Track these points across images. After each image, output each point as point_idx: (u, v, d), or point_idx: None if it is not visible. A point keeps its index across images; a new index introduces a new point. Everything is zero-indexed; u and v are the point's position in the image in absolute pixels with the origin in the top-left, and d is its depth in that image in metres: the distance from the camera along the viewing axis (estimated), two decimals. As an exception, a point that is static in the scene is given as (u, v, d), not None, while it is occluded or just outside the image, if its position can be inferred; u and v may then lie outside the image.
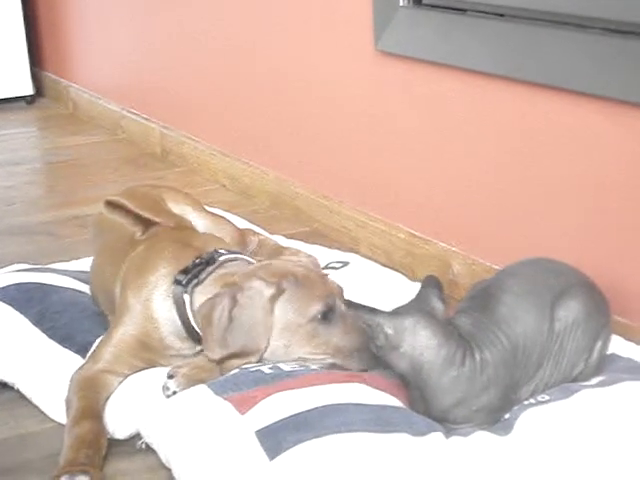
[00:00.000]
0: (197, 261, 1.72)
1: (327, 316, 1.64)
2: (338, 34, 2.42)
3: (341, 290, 1.70)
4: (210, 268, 1.71)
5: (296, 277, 1.66)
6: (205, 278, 1.70)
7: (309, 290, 1.65)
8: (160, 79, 3.36)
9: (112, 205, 2.01)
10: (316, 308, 1.64)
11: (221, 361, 1.64)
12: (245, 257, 1.78)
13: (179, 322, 1.69)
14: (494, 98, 1.99)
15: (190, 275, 1.69)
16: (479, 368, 1.50)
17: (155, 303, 1.71)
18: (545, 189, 1.92)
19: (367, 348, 1.61)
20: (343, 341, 1.64)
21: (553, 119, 1.87)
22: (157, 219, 1.91)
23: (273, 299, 1.63)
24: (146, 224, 1.91)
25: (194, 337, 1.69)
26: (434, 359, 1.49)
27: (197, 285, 1.69)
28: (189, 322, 1.68)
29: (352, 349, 1.64)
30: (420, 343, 1.49)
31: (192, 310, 1.68)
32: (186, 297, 1.68)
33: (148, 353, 1.71)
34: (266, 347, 1.63)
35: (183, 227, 1.93)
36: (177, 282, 1.70)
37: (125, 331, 1.71)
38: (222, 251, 1.77)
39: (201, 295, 1.68)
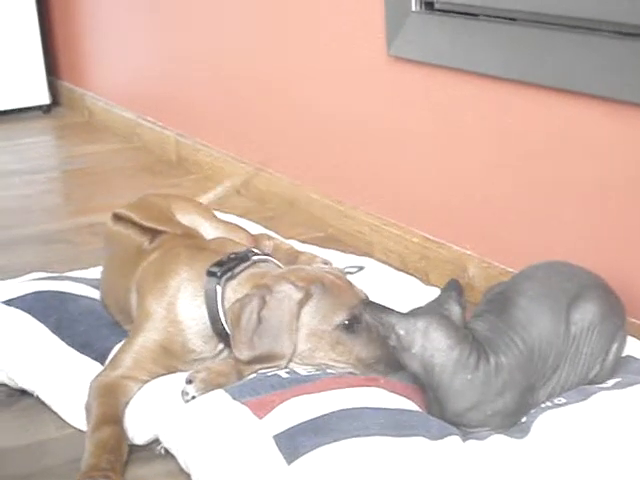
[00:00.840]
0: (232, 256, 1.74)
1: (352, 325, 1.65)
2: (350, 40, 2.43)
3: (366, 297, 1.71)
4: (244, 265, 1.73)
5: (324, 284, 1.67)
6: (239, 273, 1.71)
7: (336, 298, 1.66)
8: (175, 87, 3.38)
9: (118, 217, 2.03)
10: (342, 316, 1.65)
11: (249, 363, 1.65)
12: (275, 261, 1.80)
13: (206, 320, 1.70)
14: (507, 102, 1.99)
15: (225, 268, 1.71)
16: (494, 372, 1.50)
17: (181, 305, 1.72)
18: (560, 192, 1.92)
19: (389, 359, 1.62)
20: (365, 351, 1.65)
21: (567, 122, 1.87)
22: (163, 228, 1.93)
23: (301, 303, 1.65)
24: (153, 234, 1.93)
25: (220, 334, 1.70)
26: (445, 361, 1.49)
27: (230, 279, 1.70)
28: (218, 316, 1.69)
29: (374, 360, 1.65)
30: (431, 345, 1.50)
31: (222, 304, 1.69)
32: (218, 289, 1.69)
33: (169, 359, 1.73)
34: (293, 351, 1.65)
35: (191, 235, 1.95)
36: (210, 274, 1.71)
37: (147, 337, 1.72)
38: (256, 251, 1.80)
39: (232, 291, 1.70)
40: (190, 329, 1.72)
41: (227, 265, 1.72)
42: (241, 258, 1.74)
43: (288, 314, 1.64)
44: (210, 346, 1.73)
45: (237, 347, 1.64)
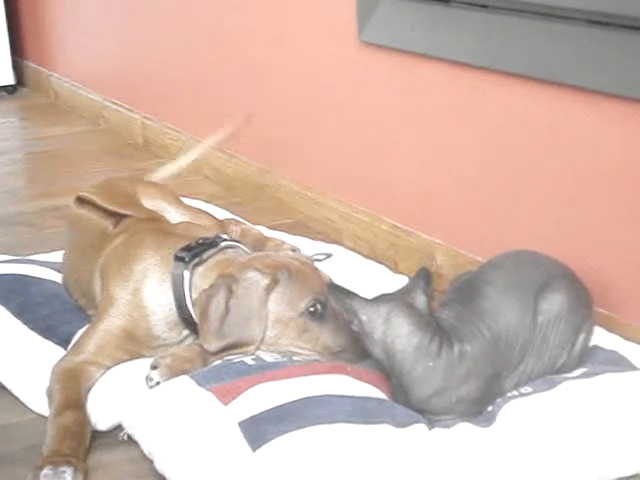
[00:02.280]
0: (200, 241, 1.73)
1: (318, 312, 1.65)
2: (321, 25, 2.42)
3: (330, 281, 1.70)
4: (212, 251, 1.71)
5: (290, 270, 1.66)
6: (207, 259, 1.70)
7: (302, 284, 1.65)
8: (142, 69, 3.35)
9: (81, 200, 2.00)
10: (307, 302, 1.64)
11: (217, 353, 1.64)
12: (243, 247, 1.79)
13: (172, 306, 1.69)
14: (477, 89, 1.99)
15: (193, 253, 1.70)
16: (457, 360, 1.50)
17: (146, 290, 1.71)
18: (528, 181, 1.92)
19: (355, 348, 1.62)
20: (331, 339, 1.65)
21: (537, 111, 1.87)
22: (127, 212, 1.91)
23: (268, 289, 1.64)
24: (117, 218, 1.90)
25: (186, 320, 1.69)
26: (405, 348, 1.49)
27: (198, 265, 1.69)
28: (184, 302, 1.68)
29: (340, 348, 1.65)
30: (392, 331, 1.49)
31: (190, 290, 1.67)
32: (186, 274, 1.68)
33: (133, 345, 1.71)
34: (262, 338, 1.63)
35: (156, 219, 1.93)
36: (179, 259, 1.70)
37: (111, 322, 1.70)
38: (224, 237, 1.79)
39: (200, 277, 1.68)
40: (155, 315, 1.70)
41: (195, 250, 1.70)
42: (209, 244, 1.73)
43: (257, 301, 1.63)
44: (175, 332, 1.71)
45: (205, 338, 1.63)
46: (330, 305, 1.65)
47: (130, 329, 1.70)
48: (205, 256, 1.70)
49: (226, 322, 1.62)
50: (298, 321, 1.64)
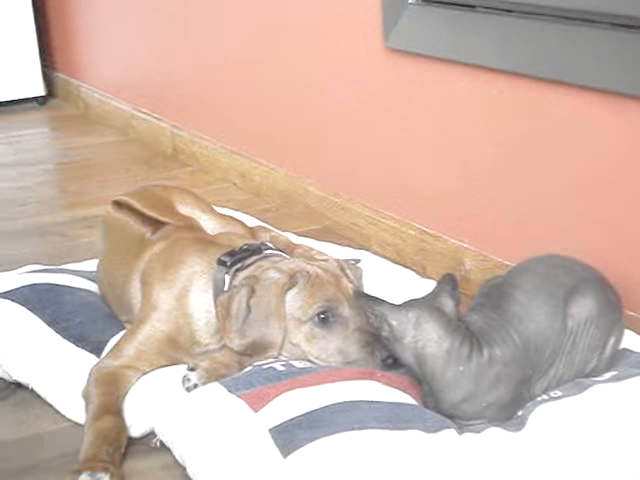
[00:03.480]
0: (244, 247, 1.74)
1: (326, 319, 1.65)
2: (348, 32, 2.42)
3: (357, 292, 1.69)
4: (254, 257, 1.73)
5: (309, 274, 1.66)
6: (249, 265, 1.71)
7: (316, 290, 1.66)
8: (171, 79, 3.37)
9: (119, 205, 2.02)
10: (315, 308, 1.65)
11: (241, 352, 1.65)
12: (286, 256, 1.80)
13: (214, 312, 1.70)
14: (503, 94, 1.99)
15: (235, 258, 1.71)
16: (487, 364, 1.50)
17: (192, 298, 1.72)
18: (557, 185, 1.92)
19: (366, 360, 1.62)
20: (339, 350, 1.65)
21: (563, 114, 1.87)
22: (165, 219, 1.93)
23: (284, 288, 1.65)
24: (154, 224, 1.92)
25: None
26: (436, 352, 1.49)
27: (240, 270, 1.70)
28: None
29: (348, 358, 1.65)
30: (422, 336, 1.50)
31: None
32: (227, 278, 1.69)
33: (174, 351, 1.72)
34: (283, 339, 1.64)
35: (194, 227, 1.94)
36: (221, 262, 1.71)
37: (154, 327, 1.72)
38: (269, 245, 1.80)
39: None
40: (200, 321, 1.72)
41: (238, 256, 1.72)
42: (253, 250, 1.75)
43: (274, 299, 1.64)
44: (216, 338, 1.72)
45: (228, 337, 1.65)
46: (340, 314, 1.65)
47: (173, 335, 1.72)
48: (248, 262, 1.72)
49: (247, 320, 1.64)
50: (306, 326, 1.65)
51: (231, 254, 1.73)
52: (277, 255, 1.77)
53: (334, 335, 1.65)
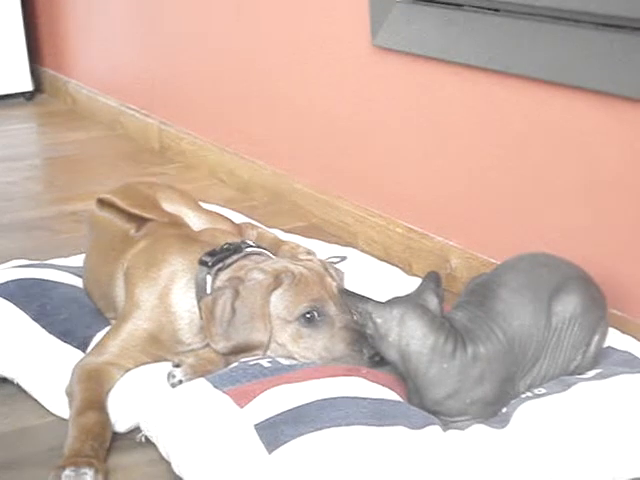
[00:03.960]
0: (225, 246, 1.74)
1: (312, 319, 1.65)
2: (335, 30, 2.43)
3: (341, 291, 1.70)
4: (236, 256, 1.72)
5: (294, 274, 1.67)
6: (230, 264, 1.71)
7: (301, 289, 1.66)
8: (159, 75, 3.37)
9: (103, 203, 2.02)
10: (301, 308, 1.65)
11: (226, 354, 1.65)
12: (268, 252, 1.80)
13: (196, 311, 1.70)
14: (491, 93, 2.00)
15: (216, 258, 1.71)
16: (471, 361, 1.50)
17: (174, 297, 1.72)
18: (542, 184, 1.92)
19: (353, 358, 1.63)
20: (326, 349, 1.65)
21: (550, 114, 1.87)
22: (149, 216, 1.92)
23: (269, 289, 1.65)
24: (138, 222, 1.92)
25: None
26: (420, 349, 1.50)
27: (221, 270, 1.70)
28: None
29: (335, 358, 1.65)
30: (407, 333, 1.50)
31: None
32: (208, 278, 1.69)
33: (157, 348, 1.72)
34: (269, 339, 1.65)
35: (178, 223, 1.94)
36: (202, 263, 1.71)
37: (136, 325, 1.72)
38: (250, 243, 1.80)
39: (221, 282, 1.69)
40: (182, 320, 1.72)
41: (219, 255, 1.72)
42: (234, 249, 1.74)
43: (259, 300, 1.64)
44: (199, 338, 1.72)
45: (212, 339, 1.65)
46: (327, 314, 1.66)
47: (156, 333, 1.72)
48: (229, 261, 1.71)
49: (232, 323, 1.64)
50: (293, 326, 1.66)
51: (212, 254, 1.72)
52: (259, 253, 1.77)
53: (320, 334, 1.66)
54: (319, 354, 1.66)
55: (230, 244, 1.76)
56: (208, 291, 1.69)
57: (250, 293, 1.65)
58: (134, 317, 1.72)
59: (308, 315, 1.65)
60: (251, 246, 1.79)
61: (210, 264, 1.70)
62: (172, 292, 1.72)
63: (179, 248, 1.77)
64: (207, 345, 1.72)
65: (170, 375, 1.65)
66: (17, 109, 4.05)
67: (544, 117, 1.89)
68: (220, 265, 1.71)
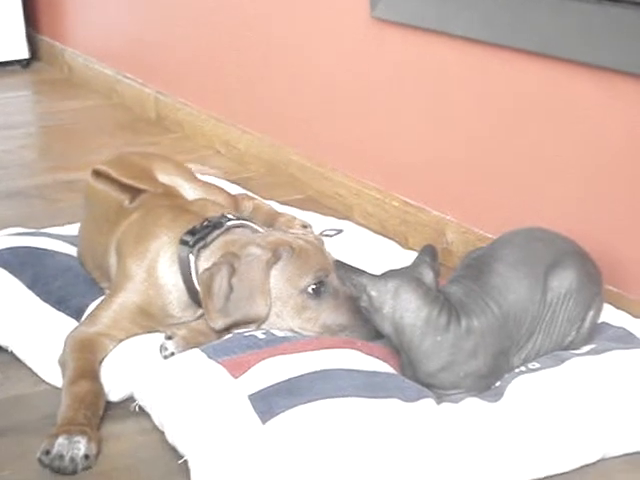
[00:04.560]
0: (205, 223, 1.73)
1: (318, 290, 1.65)
2: (334, 1, 2.41)
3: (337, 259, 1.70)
4: (217, 232, 1.71)
5: (292, 247, 1.66)
6: (212, 242, 1.70)
7: (303, 262, 1.66)
8: (155, 44, 3.35)
9: (98, 174, 2.01)
10: (307, 280, 1.65)
11: (223, 330, 1.65)
12: (251, 224, 1.79)
13: (184, 287, 1.70)
14: (489, 66, 1.99)
15: (197, 237, 1.70)
16: (465, 334, 1.51)
17: (160, 270, 1.72)
18: (539, 158, 1.92)
19: (355, 328, 1.63)
20: (331, 318, 1.65)
21: (548, 88, 1.87)
22: (143, 187, 1.92)
23: (269, 264, 1.64)
24: (132, 192, 1.91)
25: (197, 301, 1.69)
26: (414, 322, 1.50)
27: (203, 248, 1.69)
28: (193, 284, 1.69)
29: (339, 328, 1.66)
30: (401, 306, 1.50)
31: (196, 272, 1.68)
32: (191, 258, 1.68)
33: (147, 320, 1.72)
34: (267, 314, 1.64)
35: (172, 194, 1.93)
36: (183, 242, 1.70)
37: (127, 298, 1.72)
38: (230, 216, 1.78)
39: (205, 260, 1.69)
40: (170, 294, 1.71)
41: (200, 233, 1.71)
42: (214, 225, 1.72)
43: (259, 275, 1.64)
44: (190, 312, 1.72)
45: (211, 317, 1.64)
46: (331, 285, 1.66)
47: (145, 306, 1.72)
48: (210, 239, 1.70)
49: (230, 299, 1.63)
50: (297, 298, 1.65)
51: (192, 232, 1.71)
52: (241, 226, 1.76)
53: (326, 305, 1.66)
54: (322, 325, 1.65)
55: (209, 220, 1.74)
56: (192, 271, 1.68)
57: (248, 269, 1.64)
58: (125, 289, 1.72)
59: (314, 286, 1.65)
60: (232, 219, 1.77)
61: (191, 243, 1.69)
62: (159, 265, 1.72)
63: (167, 220, 1.77)
64: (199, 318, 1.72)
65: (162, 347, 1.65)
66: (13, 77, 4.03)
67: (543, 92, 1.88)
68: (202, 243, 1.70)
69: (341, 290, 1.66)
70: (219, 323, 1.64)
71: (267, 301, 1.64)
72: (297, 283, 1.65)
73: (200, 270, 1.68)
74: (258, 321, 1.65)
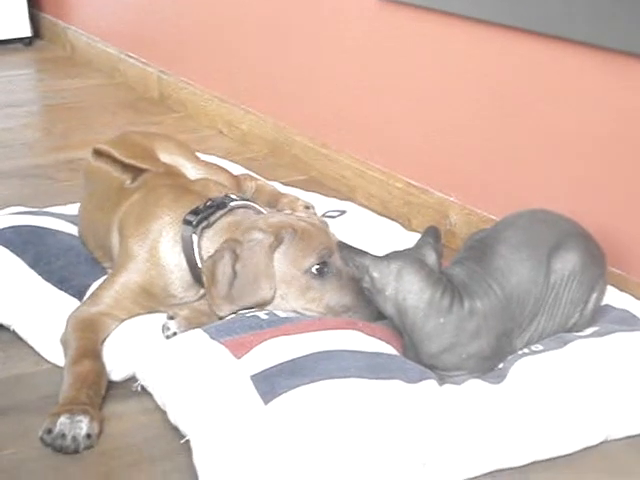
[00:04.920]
0: (209, 203, 1.72)
1: (322, 270, 1.65)
2: (339, -20, 2.40)
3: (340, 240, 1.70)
4: (220, 212, 1.71)
5: (295, 229, 1.66)
6: (215, 222, 1.70)
7: (307, 243, 1.65)
8: (159, 23, 3.33)
9: (99, 153, 2.00)
10: (311, 261, 1.64)
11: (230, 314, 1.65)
12: (254, 205, 1.78)
13: (186, 267, 1.69)
14: (495, 47, 1.98)
15: (200, 217, 1.70)
16: (467, 316, 1.50)
17: (162, 250, 1.71)
18: (543, 139, 1.91)
19: (358, 308, 1.62)
20: (335, 299, 1.65)
21: (551, 68, 1.86)
22: (145, 166, 1.91)
23: (272, 247, 1.64)
24: (134, 172, 1.90)
25: (200, 281, 1.69)
26: (417, 304, 1.50)
27: (206, 228, 1.69)
28: (195, 264, 1.68)
29: (343, 309, 1.65)
30: (403, 287, 1.50)
31: (199, 253, 1.68)
32: (194, 238, 1.68)
33: (149, 301, 1.72)
34: (272, 297, 1.64)
35: (174, 174, 1.93)
36: (187, 222, 1.70)
37: (129, 278, 1.71)
38: (233, 197, 1.77)
39: (209, 240, 1.69)
40: (172, 274, 1.71)
41: (203, 213, 1.70)
42: (217, 205, 1.72)
43: (263, 259, 1.63)
44: (192, 292, 1.72)
45: (216, 304, 1.64)
46: (335, 265, 1.65)
47: (147, 286, 1.71)
48: (213, 219, 1.70)
49: (235, 285, 1.63)
50: (301, 279, 1.65)
51: (195, 212, 1.71)
52: (245, 206, 1.75)
53: (329, 285, 1.65)
54: (325, 305, 1.65)
55: (213, 200, 1.73)
56: (195, 251, 1.68)
57: (252, 254, 1.63)
58: (127, 269, 1.72)
59: (318, 266, 1.65)
60: (234, 200, 1.76)
61: (194, 223, 1.69)
62: (160, 246, 1.72)
63: (169, 200, 1.76)
64: (201, 298, 1.72)
65: (164, 327, 1.65)
66: (15, 55, 4.02)
67: (545, 72, 1.87)
68: (205, 223, 1.69)
69: (344, 271, 1.65)
70: (225, 310, 1.63)
71: (272, 285, 1.64)
72: (301, 264, 1.65)
73: (203, 250, 1.68)
74: (263, 305, 1.65)
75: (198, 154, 2.13)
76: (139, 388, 1.61)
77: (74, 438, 1.46)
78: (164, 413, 1.53)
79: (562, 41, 1.80)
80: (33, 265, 1.88)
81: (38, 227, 2.01)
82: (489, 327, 1.51)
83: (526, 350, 1.55)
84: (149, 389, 1.58)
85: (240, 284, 1.63)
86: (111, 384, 1.62)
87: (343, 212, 2.21)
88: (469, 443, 1.39)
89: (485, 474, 1.41)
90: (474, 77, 2.05)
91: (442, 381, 1.50)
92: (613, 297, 1.69)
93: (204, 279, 1.66)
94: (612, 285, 1.70)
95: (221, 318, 1.65)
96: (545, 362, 1.50)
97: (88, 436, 1.47)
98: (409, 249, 1.56)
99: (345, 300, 1.65)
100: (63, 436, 1.46)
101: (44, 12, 4.23)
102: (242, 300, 1.63)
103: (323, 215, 2.16)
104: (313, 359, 1.48)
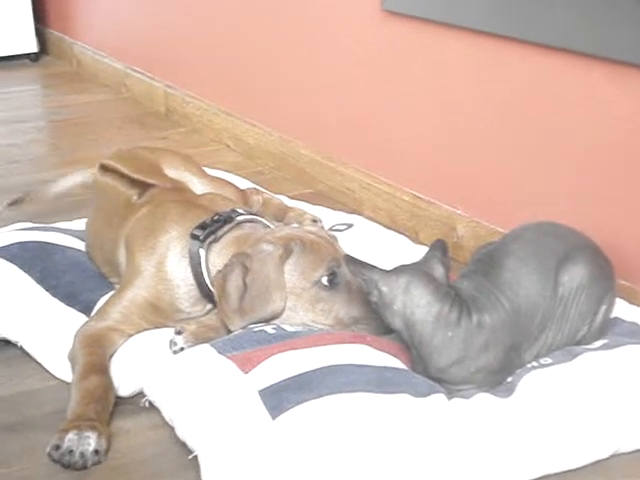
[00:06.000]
0: (216, 218, 1.72)
1: (332, 281, 1.64)
2: (344, -7, 2.40)
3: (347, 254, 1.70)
4: (227, 227, 1.71)
5: (303, 241, 1.66)
6: (222, 236, 1.70)
7: (316, 255, 1.65)
8: (165, 38, 3.34)
9: (106, 168, 2.01)
10: (320, 271, 1.64)
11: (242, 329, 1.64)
12: (261, 219, 1.78)
13: (193, 282, 1.69)
14: (498, 58, 1.98)
15: (207, 231, 1.70)
16: (476, 330, 1.50)
17: (169, 265, 1.71)
18: (549, 152, 1.91)
19: (368, 321, 1.62)
20: (344, 310, 1.65)
21: (555, 80, 1.86)
22: (151, 181, 1.91)
23: (282, 259, 1.63)
24: (141, 187, 1.91)
25: (207, 296, 1.69)
26: (425, 317, 1.49)
27: (213, 242, 1.69)
28: (203, 279, 1.68)
29: (352, 321, 1.65)
30: (411, 301, 1.50)
31: (207, 267, 1.68)
32: (202, 252, 1.68)
33: (157, 316, 1.72)
34: (283, 309, 1.64)
35: (181, 189, 1.93)
36: (194, 237, 1.70)
37: (136, 293, 1.71)
38: (240, 211, 1.77)
39: (216, 254, 1.68)
40: (179, 289, 1.71)
41: (210, 228, 1.70)
42: (224, 219, 1.72)
43: (273, 271, 1.63)
44: (199, 307, 1.72)
45: (228, 318, 1.63)
46: (344, 277, 1.65)
47: (154, 301, 1.71)
48: (220, 233, 1.70)
49: (246, 298, 1.62)
50: (311, 291, 1.64)
51: (203, 227, 1.71)
52: (252, 221, 1.75)
53: (339, 296, 1.65)
54: (334, 317, 1.65)
55: (220, 215, 1.73)
56: (203, 266, 1.68)
57: (262, 266, 1.63)
58: (134, 285, 1.72)
59: (327, 278, 1.64)
60: (242, 214, 1.76)
61: (202, 238, 1.69)
62: (168, 261, 1.72)
63: (176, 215, 1.76)
64: (208, 313, 1.71)
65: (172, 342, 1.64)
66: (22, 71, 4.03)
67: (550, 83, 1.87)
68: (212, 238, 1.69)
69: (353, 282, 1.65)
70: (236, 324, 1.63)
71: (283, 296, 1.63)
72: (310, 276, 1.64)
73: (211, 264, 1.68)
74: (274, 318, 1.64)
75: (204, 168, 2.14)
76: (147, 404, 1.60)
77: (82, 454, 1.46)
78: (172, 429, 1.53)
79: (568, 53, 1.80)
80: (40, 281, 1.88)
81: (45, 243, 2.01)
82: (497, 341, 1.51)
83: (535, 363, 1.55)
84: (157, 404, 1.58)
85: (251, 296, 1.62)
86: (119, 400, 1.62)
87: (350, 225, 2.20)
88: (478, 458, 1.39)
89: (495, 489, 1.40)
90: (480, 90, 2.05)
91: (450, 395, 1.49)
92: (622, 310, 1.68)
93: (215, 293, 1.66)
94: (621, 298, 1.69)
95: (230, 332, 1.65)
96: (554, 375, 1.49)
97: (96, 452, 1.47)
98: (417, 263, 1.56)
99: (354, 311, 1.65)
100: (71, 452, 1.46)
101: (50, 28, 4.25)
102: (254, 312, 1.63)
103: (330, 229, 2.16)
104: (321, 373, 1.48)
